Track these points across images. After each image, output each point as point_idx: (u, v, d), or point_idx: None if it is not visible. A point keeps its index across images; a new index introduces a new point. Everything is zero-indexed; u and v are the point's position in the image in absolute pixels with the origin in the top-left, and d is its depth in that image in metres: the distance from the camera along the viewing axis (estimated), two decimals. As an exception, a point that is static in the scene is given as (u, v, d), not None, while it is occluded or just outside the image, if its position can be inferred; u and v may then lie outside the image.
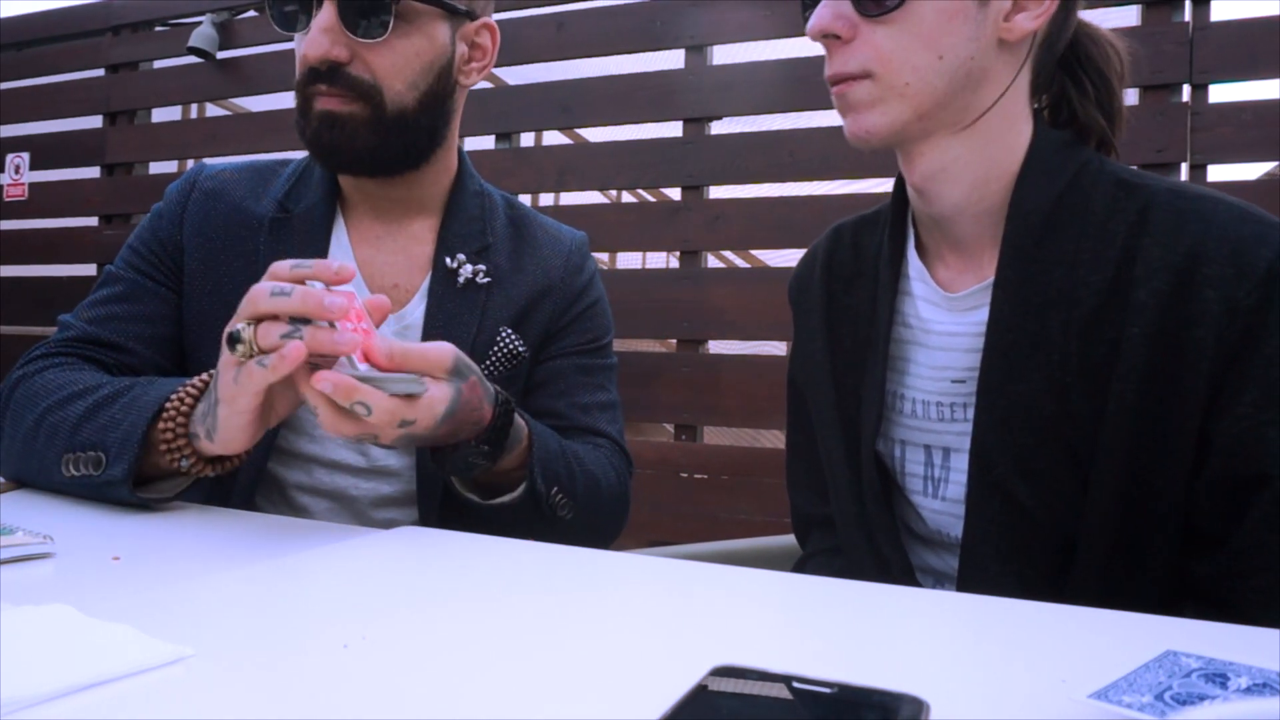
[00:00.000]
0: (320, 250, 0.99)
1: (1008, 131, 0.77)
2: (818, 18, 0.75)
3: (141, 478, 0.80)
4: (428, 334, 0.98)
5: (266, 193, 1.03)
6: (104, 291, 1.01)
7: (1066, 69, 0.80)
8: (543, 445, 0.89)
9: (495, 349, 1.00)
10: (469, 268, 1.00)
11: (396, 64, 0.92)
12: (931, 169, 0.77)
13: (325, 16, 0.89)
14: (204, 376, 0.80)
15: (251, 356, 0.70)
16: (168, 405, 0.79)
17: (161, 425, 0.78)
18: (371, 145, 0.94)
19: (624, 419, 1.10)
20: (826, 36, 0.75)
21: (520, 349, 1.01)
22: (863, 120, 0.75)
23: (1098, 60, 0.80)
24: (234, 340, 0.71)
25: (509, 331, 1.01)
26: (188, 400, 0.79)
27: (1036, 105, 0.80)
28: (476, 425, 0.79)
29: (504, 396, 0.82)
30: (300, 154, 1.06)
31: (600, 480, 0.97)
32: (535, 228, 1.08)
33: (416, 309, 1.00)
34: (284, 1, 0.92)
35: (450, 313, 0.99)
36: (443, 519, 0.97)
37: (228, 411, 0.73)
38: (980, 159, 0.77)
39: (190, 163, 3.45)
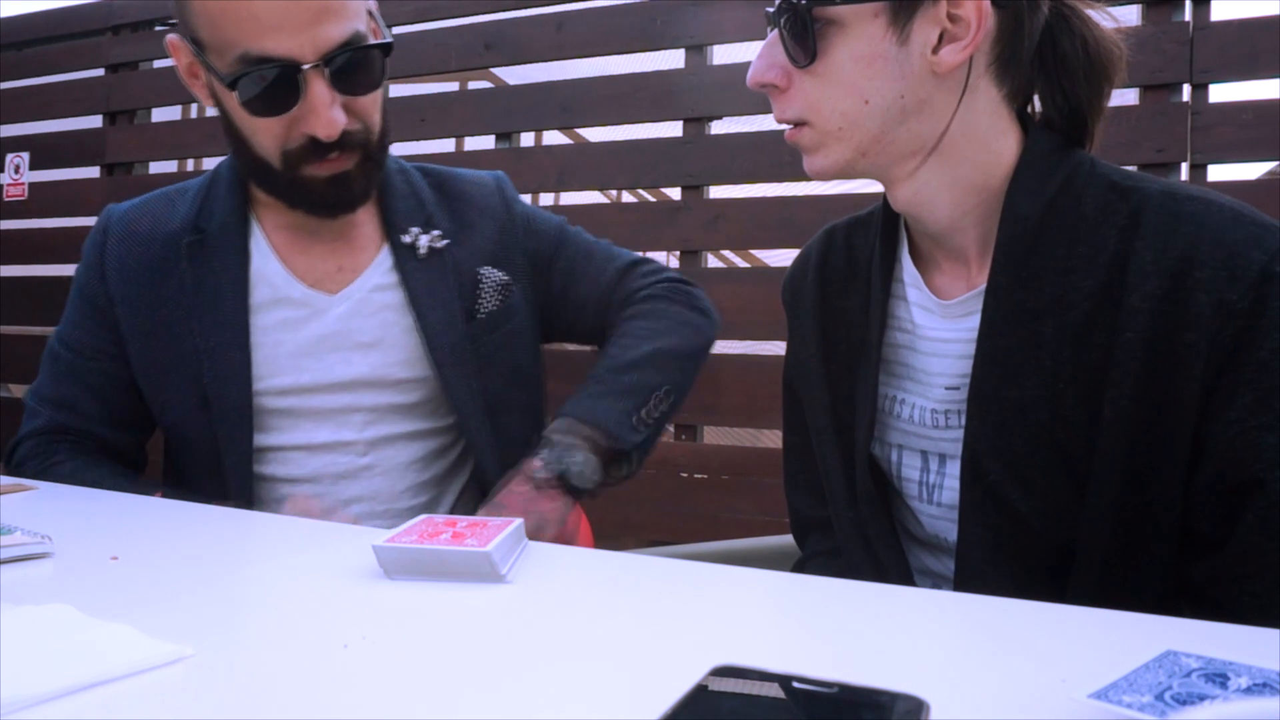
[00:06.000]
0: (241, 264, 1.01)
1: (982, 149, 0.75)
2: (754, 70, 0.77)
3: None
4: (417, 310, 1.02)
5: (176, 215, 1.05)
6: (50, 370, 1.07)
7: (1042, 61, 0.78)
8: (597, 410, 0.95)
9: (481, 288, 1.06)
10: (425, 238, 1.04)
11: (377, 102, 0.98)
12: (910, 198, 0.78)
13: (325, 92, 0.90)
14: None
15: None
16: None
17: None
18: (370, 185, 1.00)
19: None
20: (764, 86, 0.77)
21: (502, 276, 1.08)
22: (812, 162, 0.79)
23: (1067, 54, 0.77)
24: None
25: (485, 268, 1.07)
26: None
27: (1030, 109, 0.80)
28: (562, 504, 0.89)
29: (542, 457, 0.91)
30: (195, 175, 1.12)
31: (667, 337, 1.04)
32: (458, 182, 1.13)
33: (369, 280, 1.04)
34: (257, 86, 0.89)
35: (427, 282, 1.03)
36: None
37: None
38: (957, 179, 0.76)
39: (190, 163, 3.46)
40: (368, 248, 1.05)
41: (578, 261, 1.13)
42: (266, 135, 0.93)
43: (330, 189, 0.96)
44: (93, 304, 1.05)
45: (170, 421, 1.04)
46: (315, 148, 0.92)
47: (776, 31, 0.75)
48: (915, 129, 0.74)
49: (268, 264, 1.02)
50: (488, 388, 1.05)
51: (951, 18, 0.71)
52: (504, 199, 1.13)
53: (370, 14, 0.96)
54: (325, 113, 0.90)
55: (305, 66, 0.88)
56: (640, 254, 1.17)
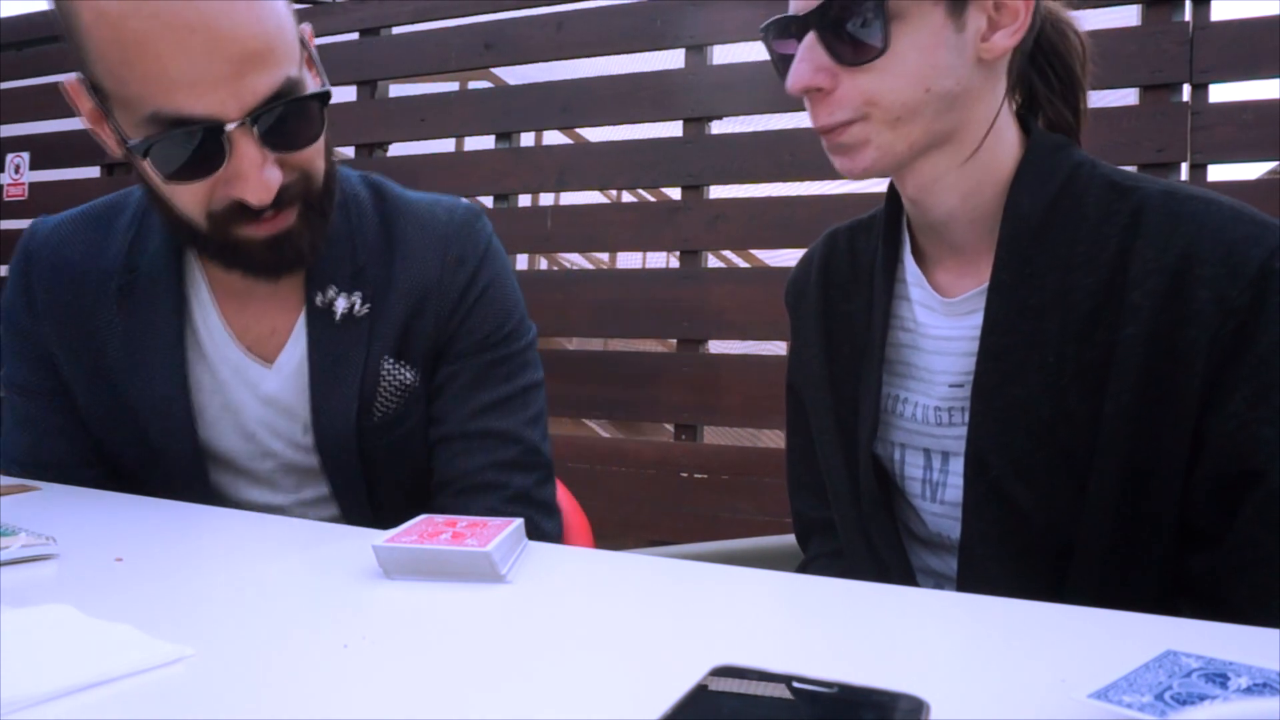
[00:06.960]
0: (176, 311, 0.91)
1: (994, 138, 0.76)
2: (796, 75, 0.73)
3: None
4: (315, 382, 0.91)
5: (109, 245, 0.94)
6: (8, 423, 0.97)
7: (1033, 62, 0.80)
8: None
9: (382, 385, 0.92)
10: (343, 300, 0.91)
11: (319, 150, 0.85)
12: (923, 183, 0.78)
13: (254, 153, 0.76)
14: None
15: None
16: None
17: None
18: (317, 237, 0.87)
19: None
20: (807, 91, 0.74)
21: (406, 377, 0.93)
22: (859, 160, 0.75)
23: (1064, 53, 0.80)
24: None
25: (390, 361, 0.92)
26: None
27: (1016, 105, 0.80)
28: None
29: None
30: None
31: None
32: (406, 223, 0.95)
33: (293, 353, 0.92)
34: (173, 152, 0.75)
35: (334, 354, 0.91)
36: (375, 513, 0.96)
37: None
38: (970, 169, 0.77)
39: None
40: (295, 307, 0.93)
41: (463, 378, 0.95)
42: (187, 199, 0.80)
43: (269, 252, 0.83)
44: (29, 341, 0.95)
45: (123, 466, 0.97)
46: (245, 210, 0.79)
47: (812, 35, 0.73)
48: (955, 120, 0.74)
49: (205, 315, 0.92)
50: (371, 481, 0.95)
51: (996, 6, 0.72)
52: (444, 261, 0.94)
53: (302, 43, 0.81)
54: (255, 176, 0.76)
55: (229, 126, 0.74)
56: (523, 416, 0.96)
